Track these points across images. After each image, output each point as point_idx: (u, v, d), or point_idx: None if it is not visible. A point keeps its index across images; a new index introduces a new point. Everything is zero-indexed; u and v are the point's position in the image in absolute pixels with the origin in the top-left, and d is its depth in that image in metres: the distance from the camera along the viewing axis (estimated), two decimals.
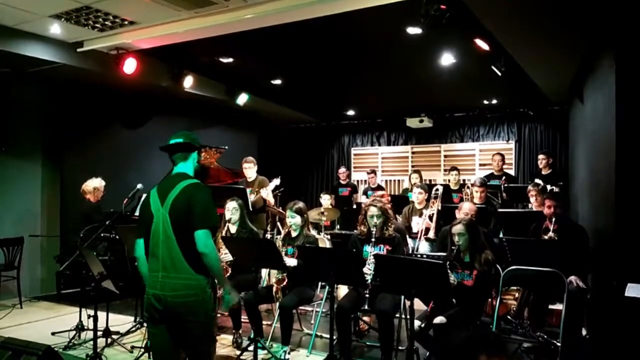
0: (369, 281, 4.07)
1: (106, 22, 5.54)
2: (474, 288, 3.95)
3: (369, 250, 4.30)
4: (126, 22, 5.55)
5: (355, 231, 4.66)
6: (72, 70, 6.50)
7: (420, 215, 6.29)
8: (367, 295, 4.04)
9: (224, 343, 4.89)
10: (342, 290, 5.35)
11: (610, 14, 3.97)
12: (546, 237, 4.66)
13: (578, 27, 4.61)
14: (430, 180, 9.59)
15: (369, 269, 4.12)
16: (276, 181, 6.46)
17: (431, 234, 6.02)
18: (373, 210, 4.35)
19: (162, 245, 2.76)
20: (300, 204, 4.78)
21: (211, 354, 2.91)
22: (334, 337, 3.97)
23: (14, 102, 6.89)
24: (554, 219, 4.68)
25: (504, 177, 7.45)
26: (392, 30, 5.75)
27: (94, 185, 6.50)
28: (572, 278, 4.32)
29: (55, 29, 5.74)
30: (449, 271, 3.85)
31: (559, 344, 3.95)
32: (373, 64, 7.23)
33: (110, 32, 5.85)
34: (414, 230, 6.28)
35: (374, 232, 4.32)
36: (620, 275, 3.54)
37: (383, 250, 4.33)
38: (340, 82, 8.45)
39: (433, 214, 6.14)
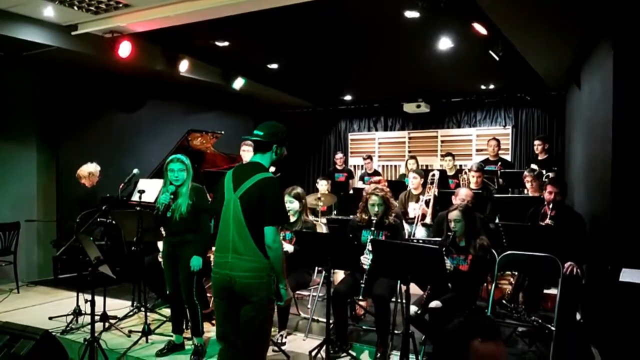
0: (367, 268, 4.05)
1: (100, 5, 5.47)
2: (469, 273, 3.98)
3: (368, 236, 4.27)
4: (121, 5, 5.47)
5: (354, 217, 4.65)
6: (67, 54, 6.42)
7: (417, 200, 6.31)
8: (362, 285, 4.04)
9: None
10: (339, 275, 5.37)
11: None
12: (543, 223, 4.67)
13: (576, 12, 4.57)
14: (426, 166, 9.59)
15: (367, 258, 4.10)
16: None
17: (428, 220, 6.04)
18: (375, 199, 4.32)
19: (232, 229, 2.88)
20: (299, 189, 4.77)
21: (263, 339, 2.97)
22: (331, 321, 4.00)
23: (8, 86, 6.82)
24: (551, 205, 4.68)
25: (499, 163, 7.47)
26: (390, 14, 5.69)
27: (89, 170, 6.46)
28: (568, 264, 4.34)
29: (49, 12, 5.65)
30: (444, 257, 3.87)
31: (553, 328, 3.99)
32: (370, 48, 7.19)
33: (105, 14, 5.77)
34: (411, 215, 6.29)
35: (374, 221, 4.30)
36: (615, 260, 3.56)
37: (382, 236, 4.31)
38: (337, 67, 8.39)
39: (429, 199, 6.16)
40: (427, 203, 6.15)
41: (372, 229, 4.29)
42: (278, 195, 2.96)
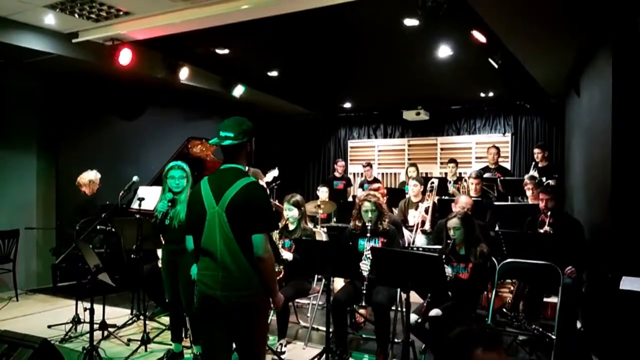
0: (366, 275, 4.05)
1: (101, 13, 5.49)
2: (470, 281, 3.97)
3: (365, 244, 4.30)
4: (121, 13, 5.50)
5: (349, 226, 4.65)
6: (68, 61, 6.44)
7: (417, 208, 6.31)
8: (364, 292, 4.04)
9: None
10: (339, 283, 5.35)
11: (608, 7, 3.96)
12: (542, 230, 4.67)
13: (575, 19, 4.60)
14: (426, 173, 9.58)
15: (365, 264, 4.11)
16: (274, 172, 6.30)
17: (427, 227, 6.03)
18: (367, 206, 4.35)
19: (220, 244, 2.63)
20: (298, 197, 4.76)
21: (264, 343, 2.89)
22: (330, 330, 3.98)
23: (9, 93, 6.83)
24: (549, 213, 4.68)
25: (498, 170, 7.46)
26: (389, 21, 5.71)
27: (89, 177, 6.45)
28: (568, 269, 4.34)
29: (50, 20, 5.68)
30: (444, 265, 3.86)
31: (553, 337, 3.98)
32: (370, 55, 7.20)
33: (106, 22, 5.80)
34: (411, 223, 6.29)
35: (368, 227, 4.32)
36: (615, 268, 3.55)
37: (378, 242, 4.33)
38: (337, 74, 8.41)
39: (429, 206, 6.15)
40: (426, 210, 6.15)
41: (368, 235, 4.29)
42: (265, 201, 2.72)
